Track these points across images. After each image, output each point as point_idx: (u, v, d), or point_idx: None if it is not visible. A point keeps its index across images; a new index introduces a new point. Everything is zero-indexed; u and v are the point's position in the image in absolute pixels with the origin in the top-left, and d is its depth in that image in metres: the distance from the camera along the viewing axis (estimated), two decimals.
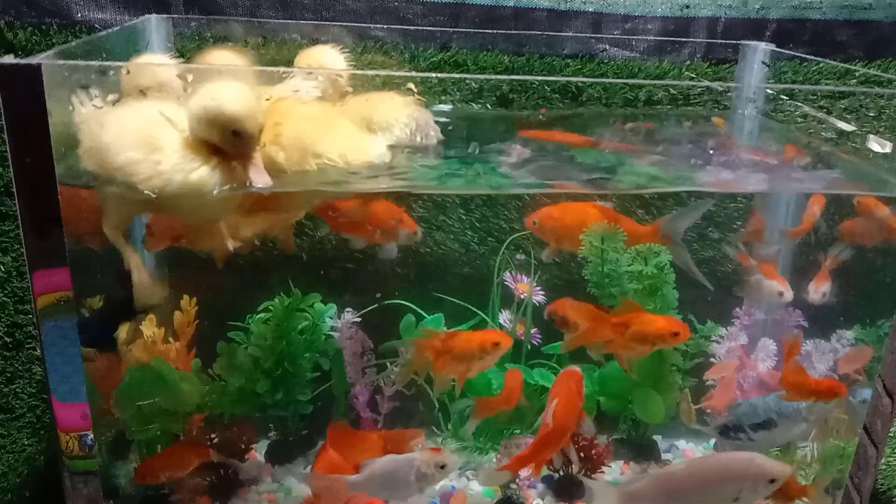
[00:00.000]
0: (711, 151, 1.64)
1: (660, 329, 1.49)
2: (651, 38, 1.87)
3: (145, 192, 1.11)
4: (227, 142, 1.12)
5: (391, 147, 1.34)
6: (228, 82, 1.15)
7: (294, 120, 1.23)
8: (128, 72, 1.21)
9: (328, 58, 1.44)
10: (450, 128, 1.48)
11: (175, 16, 1.68)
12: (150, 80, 1.22)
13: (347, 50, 1.65)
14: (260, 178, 1.12)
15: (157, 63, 1.31)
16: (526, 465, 1.51)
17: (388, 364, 1.77)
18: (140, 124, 1.14)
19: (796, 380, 1.55)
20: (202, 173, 1.13)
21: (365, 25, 1.74)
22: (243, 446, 1.69)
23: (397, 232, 1.62)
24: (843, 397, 1.54)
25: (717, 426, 1.65)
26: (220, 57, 1.43)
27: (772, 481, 1.38)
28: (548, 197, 1.62)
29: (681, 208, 1.73)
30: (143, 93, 1.21)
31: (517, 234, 1.79)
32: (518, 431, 1.78)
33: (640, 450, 1.87)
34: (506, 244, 1.77)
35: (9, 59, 0.97)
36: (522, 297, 1.75)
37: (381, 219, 1.61)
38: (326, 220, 1.63)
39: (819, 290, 1.74)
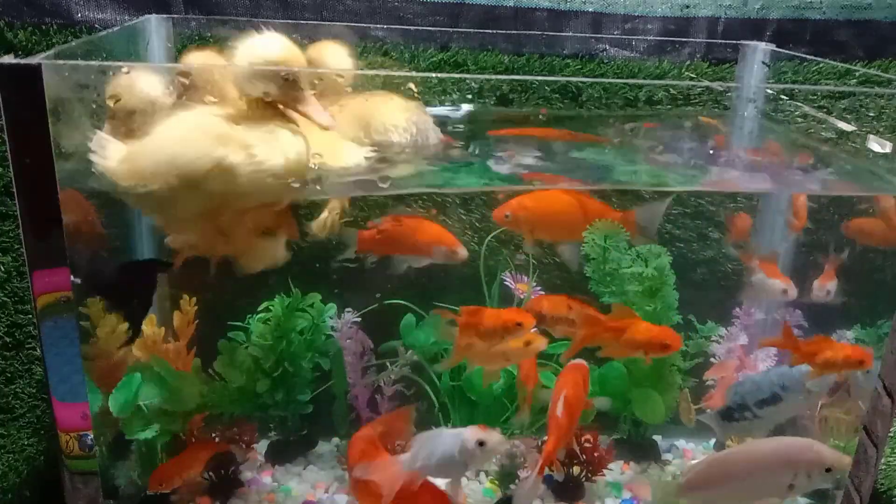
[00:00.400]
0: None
1: (653, 338, 1.50)
2: (651, 38, 1.87)
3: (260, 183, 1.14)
4: (280, 91, 1.13)
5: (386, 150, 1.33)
6: (261, 35, 1.16)
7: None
8: (116, 101, 1.18)
9: (332, 54, 1.44)
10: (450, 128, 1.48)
11: (175, 16, 1.68)
12: (137, 101, 1.20)
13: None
14: (323, 117, 1.15)
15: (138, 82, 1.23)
16: (550, 462, 1.50)
17: (388, 364, 1.77)
18: (205, 129, 1.14)
19: (823, 349, 1.51)
20: (298, 144, 1.16)
21: (365, 25, 1.74)
22: (244, 445, 1.69)
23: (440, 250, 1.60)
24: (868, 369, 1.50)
25: (720, 410, 1.63)
26: (199, 58, 1.40)
27: (828, 470, 1.38)
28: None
29: (651, 202, 1.70)
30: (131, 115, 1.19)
31: (498, 231, 1.79)
32: (518, 432, 1.78)
33: (640, 450, 1.87)
34: (486, 241, 1.76)
35: (9, 59, 0.97)
36: (522, 296, 1.75)
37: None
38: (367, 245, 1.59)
39: (824, 287, 1.73)
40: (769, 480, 1.41)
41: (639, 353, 1.52)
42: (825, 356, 1.50)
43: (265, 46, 1.15)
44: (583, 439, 1.70)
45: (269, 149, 1.15)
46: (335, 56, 1.43)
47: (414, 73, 1.33)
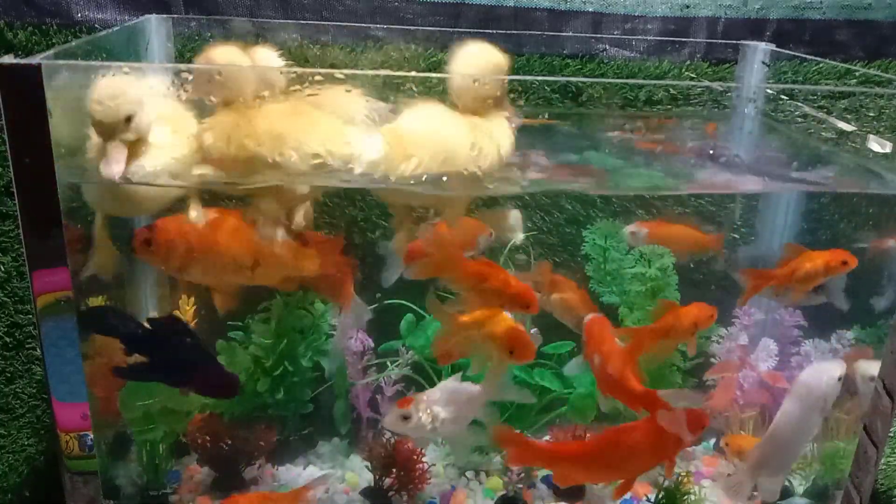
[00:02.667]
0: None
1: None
2: (651, 38, 1.87)
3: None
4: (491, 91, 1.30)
5: None
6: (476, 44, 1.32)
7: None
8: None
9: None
10: None
11: (175, 16, 1.68)
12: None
13: (348, 49, 1.66)
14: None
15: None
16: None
17: (388, 363, 1.77)
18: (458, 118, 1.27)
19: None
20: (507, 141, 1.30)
21: (365, 25, 1.74)
22: (262, 444, 1.69)
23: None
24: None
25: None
26: (224, 53, 1.42)
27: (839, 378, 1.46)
28: None
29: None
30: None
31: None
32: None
33: None
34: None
35: (9, 59, 0.97)
36: None
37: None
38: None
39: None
40: (815, 423, 1.48)
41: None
42: (805, 270, 1.55)
43: (485, 53, 1.31)
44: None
45: (490, 142, 1.28)
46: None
47: (414, 73, 1.33)
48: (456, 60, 1.32)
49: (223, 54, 1.27)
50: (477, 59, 1.32)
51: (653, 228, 1.69)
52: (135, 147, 1.15)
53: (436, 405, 1.44)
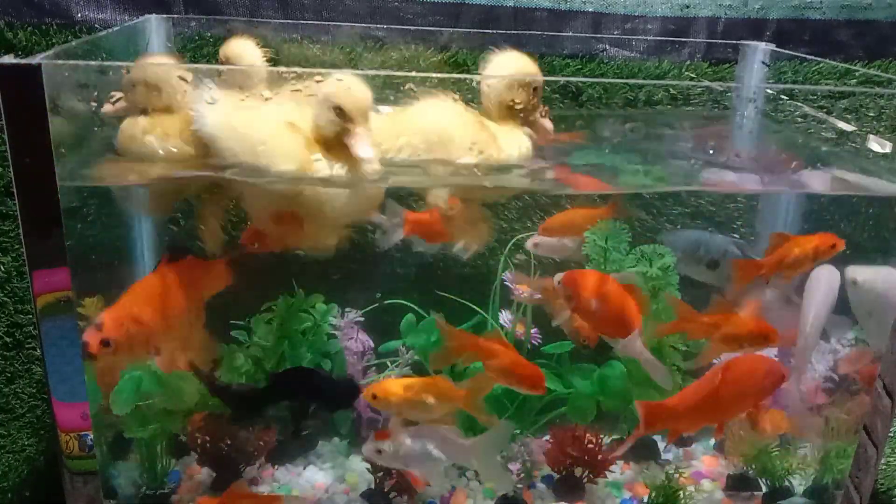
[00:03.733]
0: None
1: (751, 331, 1.50)
2: (651, 38, 1.87)
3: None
4: (526, 98, 1.36)
5: None
6: (506, 52, 1.36)
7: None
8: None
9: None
10: None
11: (175, 16, 1.68)
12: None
13: (348, 49, 1.66)
14: (549, 125, 1.40)
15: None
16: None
17: (388, 363, 1.77)
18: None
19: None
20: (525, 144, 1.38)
21: (365, 25, 1.74)
22: (262, 443, 1.69)
23: None
24: None
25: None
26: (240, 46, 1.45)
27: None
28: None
29: None
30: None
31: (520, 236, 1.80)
32: (519, 432, 1.78)
33: (640, 450, 1.87)
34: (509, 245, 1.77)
35: (9, 59, 0.97)
36: (523, 297, 1.74)
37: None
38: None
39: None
40: None
41: (738, 348, 1.52)
42: (793, 256, 1.55)
43: (517, 63, 1.35)
44: (586, 440, 1.70)
45: (510, 142, 1.34)
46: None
47: (414, 73, 1.33)
48: (488, 68, 1.36)
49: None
50: (507, 69, 1.36)
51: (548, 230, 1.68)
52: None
53: (410, 442, 1.44)
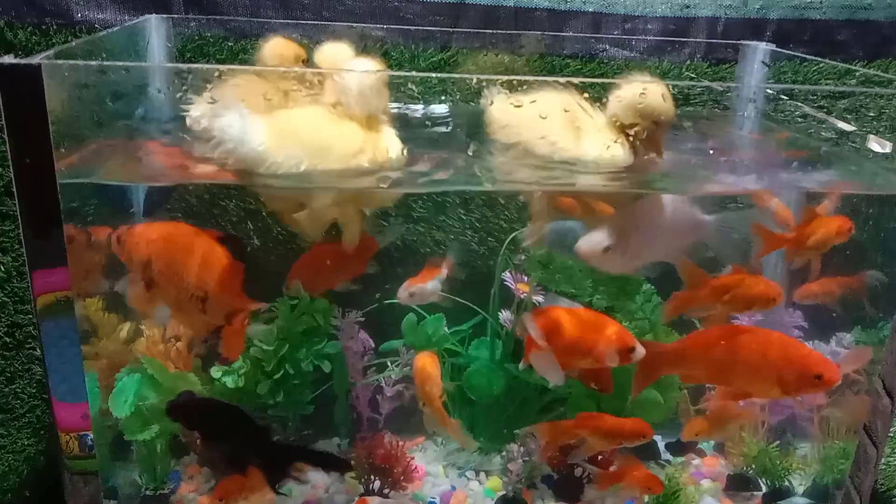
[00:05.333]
0: None
1: (761, 293, 1.47)
2: (651, 38, 1.87)
3: None
4: (649, 126, 1.36)
5: None
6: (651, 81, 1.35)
7: None
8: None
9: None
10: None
11: (175, 16, 1.68)
12: None
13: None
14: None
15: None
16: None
17: (389, 363, 1.77)
18: None
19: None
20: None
21: (365, 25, 1.74)
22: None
23: None
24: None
25: None
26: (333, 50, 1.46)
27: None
28: None
29: None
30: None
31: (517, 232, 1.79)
32: (519, 432, 1.78)
33: (640, 450, 1.87)
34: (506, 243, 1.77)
35: (9, 59, 0.97)
36: (522, 296, 1.75)
37: None
38: None
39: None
40: None
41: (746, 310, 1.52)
42: (818, 235, 1.53)
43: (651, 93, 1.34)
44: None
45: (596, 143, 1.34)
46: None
47: (414, 73, 1.33)
48: (624, 87, 1.35)
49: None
50: (637, 94, 1.35)
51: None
52: None
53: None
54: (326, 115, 1.28)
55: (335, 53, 1.44)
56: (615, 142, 1.34)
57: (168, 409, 1.48)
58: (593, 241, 1.38)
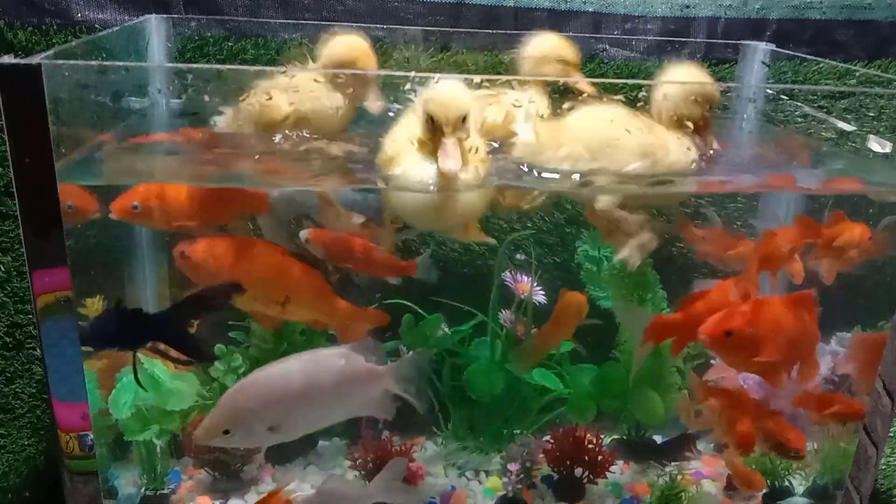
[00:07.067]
0: None
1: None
2: (651, 38, 1.87)
3: None
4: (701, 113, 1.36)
5: None
6: None
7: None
8: None
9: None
10: None
11: (175, 16, 1.68)
12: None
13: None
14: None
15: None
16: None
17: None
18: None
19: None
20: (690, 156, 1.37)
21: (365, 25, 1.74)
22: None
23: None
24: None
25: None
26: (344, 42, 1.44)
27: None
28: None
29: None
30: None
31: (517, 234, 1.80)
32: (518, 432, 1.78)
33: (640, 450, 1.87)
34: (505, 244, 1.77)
35: (9, 59, 0.97)
36: (523, 296, 1.75)
37: None
38: None
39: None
40: None
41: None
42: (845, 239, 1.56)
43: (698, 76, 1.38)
44: (586, 440, 1.70)
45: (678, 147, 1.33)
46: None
47: (414, 73, 1.33)
48: (664, 78, 1.39)
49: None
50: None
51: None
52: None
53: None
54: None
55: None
56: (677, 139, 1.34)
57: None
58: None
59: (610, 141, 1.30)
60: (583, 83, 1.41)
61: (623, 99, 1.36)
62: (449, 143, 1.16)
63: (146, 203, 1.38)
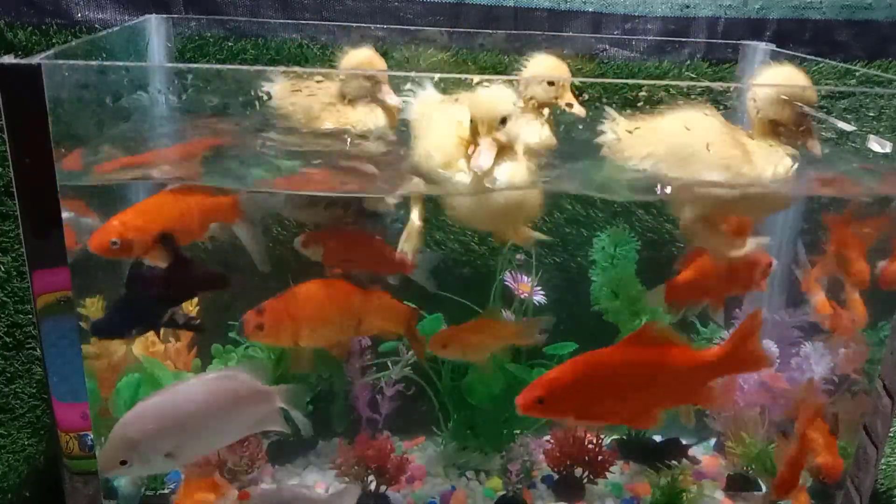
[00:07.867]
0: None
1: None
2: (651, 38, 1.87)
3: None
4: (791, 116, 1.32)
5: None
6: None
7: None
8: None
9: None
10: None
11: (175, 16, 1.68)
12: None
13: (348, 49, 1.65)
14: None
15: None
16: None
17: (389, 363, 1.77)
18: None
19: None
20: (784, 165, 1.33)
21: (365, 25, 1.74)
22: (251, 462, 1.67)
23: None
24: None
25: None
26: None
27: None
28: None
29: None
30: None
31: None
32: (519, 432, 1.78)
33: (641, 450, 1.87)
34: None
35: (9, 59, 0.97)
36: (523, 297, 1.75)
37: None
38: None
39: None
40: None
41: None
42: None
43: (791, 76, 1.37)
44: (586, 440, 1.70)
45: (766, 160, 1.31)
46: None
47: (414, 73, 1.33)
48: (759, 80, 1.39)
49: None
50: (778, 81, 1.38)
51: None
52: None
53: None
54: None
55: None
56: (770, 145, 1.32)
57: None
58: None
59: (694, 150, 1.30)
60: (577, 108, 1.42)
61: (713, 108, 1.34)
62: (484, 142, 1.20)
63: (124, 237, 1.30)
